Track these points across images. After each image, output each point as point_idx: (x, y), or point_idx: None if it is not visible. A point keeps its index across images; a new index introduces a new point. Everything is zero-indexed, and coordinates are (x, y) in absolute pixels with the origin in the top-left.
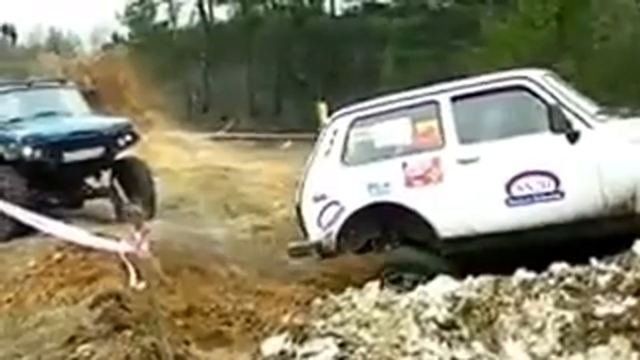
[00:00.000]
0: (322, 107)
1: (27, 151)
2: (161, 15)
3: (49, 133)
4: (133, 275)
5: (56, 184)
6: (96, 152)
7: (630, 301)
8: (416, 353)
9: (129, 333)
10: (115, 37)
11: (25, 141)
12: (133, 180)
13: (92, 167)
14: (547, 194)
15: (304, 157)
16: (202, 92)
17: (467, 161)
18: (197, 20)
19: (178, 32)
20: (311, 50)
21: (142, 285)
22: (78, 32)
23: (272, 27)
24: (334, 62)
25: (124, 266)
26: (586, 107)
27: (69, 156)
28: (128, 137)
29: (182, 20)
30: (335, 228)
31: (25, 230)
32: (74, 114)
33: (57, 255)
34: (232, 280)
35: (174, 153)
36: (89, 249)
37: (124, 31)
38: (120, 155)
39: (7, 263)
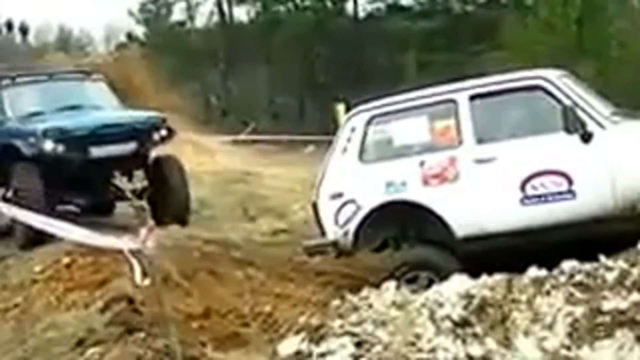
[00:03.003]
0: (340, 108)
1: (48, 145)
2: (177, 14)
3: (73, 126)
4: (138, 271)
5: (82, 183)
6: (128, 147)
7: (636, 296)
8: (431, 350)
9: (140, 335)
10: (130, 36)
11: (46, 134)
12: (167, 180)
13: (124, 164)
14: (560, 193)
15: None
16: (221, 94)
17: (483, 160)
18: (215, 20)
19: (196, 32)
20: (333, 53)
21: (146, 282)
22: (90, 30)
23: (293, 29)
24: (356, 65)
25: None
26: (600, 108)
27: (96, 151)
28: (163, 132)
29: (200, 20)
30: (352, 226)
31: (43, 238)
32: (103, 107)
33: (66, 260)
34: (249, 282)
35: (192, 156)
36: (99, 252)
37: (139, 30)
38: (153, 153)
39: (14, 268)
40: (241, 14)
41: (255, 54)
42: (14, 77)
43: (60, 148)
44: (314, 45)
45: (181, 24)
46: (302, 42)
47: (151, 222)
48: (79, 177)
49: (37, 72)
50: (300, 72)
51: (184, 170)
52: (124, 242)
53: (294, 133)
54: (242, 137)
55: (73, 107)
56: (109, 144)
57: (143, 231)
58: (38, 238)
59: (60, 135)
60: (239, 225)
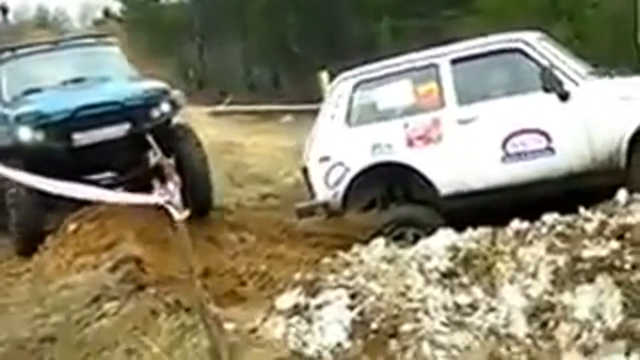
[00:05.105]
0: (324, 76)
1: (24, 134)
2: None
3: (52, 109)
4: (174, 212)
5: (69, 177)
6: (119, 129)
7: (614, 244)
8: (421, 300)
9: (152, 291)
10: (107, 13)
11: (20, 120)
12: (181, 158)
13: (117, 149)
14: (540, 150)
15: (303, 130)
16: (198, 67)
17: (465, 121)
18: None
19: (171, 6)
20: (306, 22)
21: (186, 213)
22: (66, 8)
23: None
24: (330, 34)
25: (139, 233)
26: (577, 68)
27: (80, 138)
28: (165, 107)
29: None
30: (341, 188)
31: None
32: (113, 78)
33: (72, 227)
34: (243, 245)
35: None
36: (104, 218)
37: (116, 7)
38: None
39: None
40: None
41: (229, 26)
42: (14, 49)
43: (40, 136)
44: (287, 15)
45: None
46: (275, 12)
47: (177, 177)
48: (63, 170)
49: (42, 41)
50: (274, 43)
51: (202, 144)
52: (154, 197)
53: (270, 103)
54: (222, 108)
55: (77, 81)
56: (95, 127)
57: (170, 185)
58: (36, 233)
59: (38, 121)
60: (229, 192)
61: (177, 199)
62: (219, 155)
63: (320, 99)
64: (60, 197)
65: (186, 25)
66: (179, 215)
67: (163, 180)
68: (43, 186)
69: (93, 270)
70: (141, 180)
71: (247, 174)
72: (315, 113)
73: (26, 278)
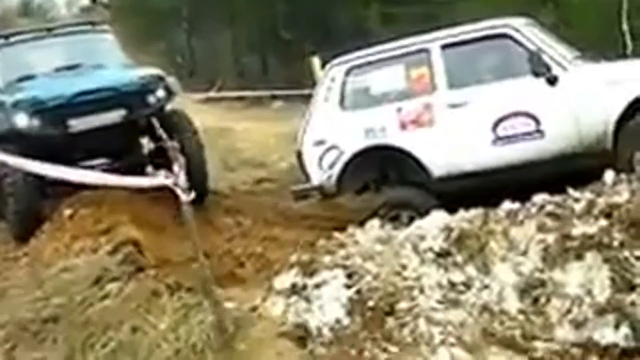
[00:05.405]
0: (316, 61)
1: (21, 120)
2: None
3: (48, 95)
4: (181, 193)
5: (65, 162)
6: (115, 115)
7: (602, 222)
8: (417, 278)
9: (152, 273)
10: None
11: (17, 106)
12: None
13: (113, 135)
14: (529, 133)
15: (294, 115)
16: (186, 55)
17: (456, 105)
18: None
19: None
20: (294, 9)
21: (192, 195)
22: None
23: None
24: (318, 21)
25: (135, 218)
26: (564, 52)
27: (76, 124)
28: (160, 93)
29: None
30: (335, 171)
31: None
32: (107, 65)
33: (68, 212)
34: (239, 228)
35: None
36: (99, 203)
37: None
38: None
39: None
40: None
41: (217, 12)
42: (7, 36)
43: (36, 123)
44: (275, 1)
45: None
46: None
47: (182, 159)
48: (60, 156)
49: (35, 28)
50: (263, 30)
51: (197, 131)
52: (161, 179)
53: (259, 89)
54: (212, 94)
55: (72, 67)
56: (91, 113)
57: (175, 167)
58: (33, 219)
59: (35, 107)
60: (223, 176)
61: (182, 180)
62: (212, 140)
63: (308, 85)
64: (55, 184)
65: (174, 11)
66: (186, 196)
67: (157, 166)
68: (46, 171)
69: (92, 254)
70: (136, 166)
71: (241, 159)
72: (305, 98)
73: (24, 262)
